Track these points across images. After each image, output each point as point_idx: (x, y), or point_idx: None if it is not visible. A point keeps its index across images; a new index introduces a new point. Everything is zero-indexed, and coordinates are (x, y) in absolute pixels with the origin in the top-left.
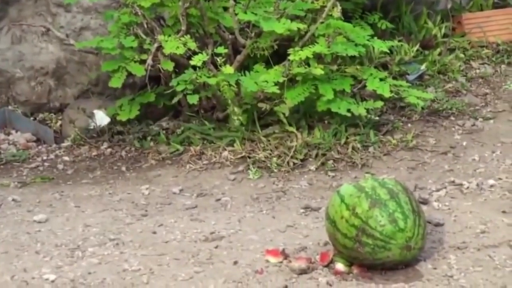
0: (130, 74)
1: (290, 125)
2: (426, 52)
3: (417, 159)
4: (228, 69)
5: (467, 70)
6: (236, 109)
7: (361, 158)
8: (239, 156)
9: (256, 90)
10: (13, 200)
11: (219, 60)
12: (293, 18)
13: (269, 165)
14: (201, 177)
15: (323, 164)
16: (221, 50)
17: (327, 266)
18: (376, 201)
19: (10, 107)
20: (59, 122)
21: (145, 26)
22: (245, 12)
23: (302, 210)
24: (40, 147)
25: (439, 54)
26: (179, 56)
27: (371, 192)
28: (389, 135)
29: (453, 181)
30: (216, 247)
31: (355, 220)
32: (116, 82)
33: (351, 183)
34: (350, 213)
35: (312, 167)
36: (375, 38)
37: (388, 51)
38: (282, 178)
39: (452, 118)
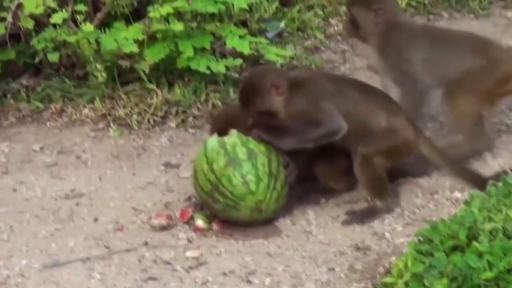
0: None
1: (150, 82)
2: (285, 9)
3: None
4: (88, 27)
5: (325, 27)
6: (95, 66)
7: None
8: (99, 113)
9: (115, 48)
10: None
11: (79, 17)
12: None
13: (129, 122)
14: (61, 134)
15: (183, 121)
16: (81, 7)
17: (187, 222)
18: (232, 160)
19: None
20: None
21: None
22: None
23: (162, 167)
24: None
25: (298, 11)
26: (39, 15)
27: (231, 150)
28: None
29: None
30: (77, 204)
31: (211, 175)
32: None
33: (218, 137)
34: (208, 167)
35: (173, 124)
36: None
37: (248, 8)
38: (142, 135)
39: None
